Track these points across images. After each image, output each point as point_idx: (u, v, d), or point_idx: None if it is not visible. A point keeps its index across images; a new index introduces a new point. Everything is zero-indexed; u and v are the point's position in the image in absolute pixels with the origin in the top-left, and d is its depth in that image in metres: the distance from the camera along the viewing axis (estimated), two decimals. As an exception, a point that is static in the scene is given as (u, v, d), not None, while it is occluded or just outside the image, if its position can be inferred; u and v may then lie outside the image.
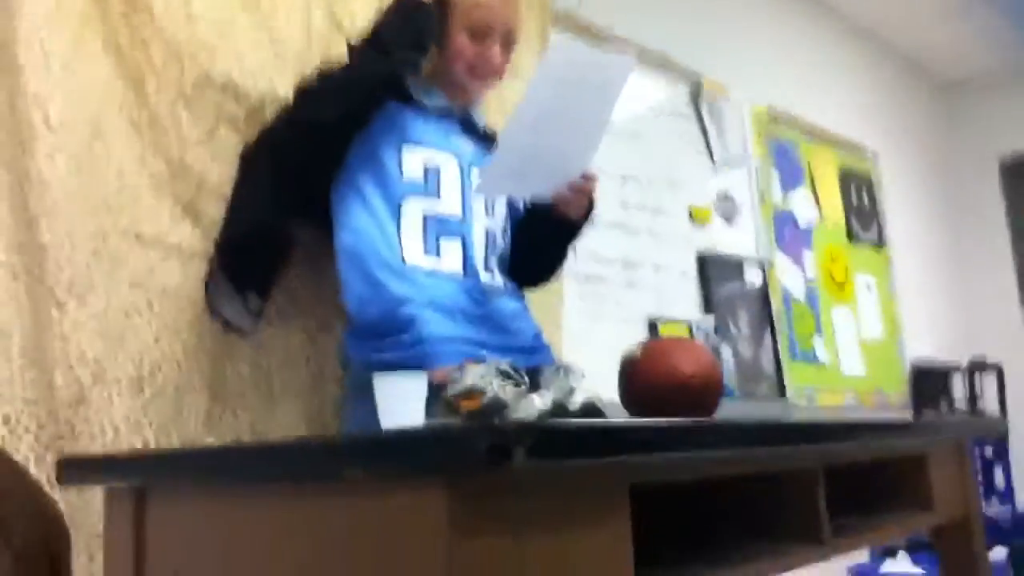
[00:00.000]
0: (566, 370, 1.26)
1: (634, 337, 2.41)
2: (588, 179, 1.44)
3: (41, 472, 1.23)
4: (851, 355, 3.43)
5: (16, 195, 1.29)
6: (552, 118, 1.30)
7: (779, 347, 2.99)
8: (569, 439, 0.70)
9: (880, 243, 3.84)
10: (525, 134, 1.30)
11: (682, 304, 2.70)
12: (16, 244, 1.28)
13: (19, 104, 1.30)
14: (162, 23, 1.46)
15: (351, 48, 1.45)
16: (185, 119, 1.48)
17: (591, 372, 1.37)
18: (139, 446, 1.34)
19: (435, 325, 1.30)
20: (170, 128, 1.47)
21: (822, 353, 3.25)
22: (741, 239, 3.04)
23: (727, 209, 3.01)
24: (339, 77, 1.41)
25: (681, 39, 2.95)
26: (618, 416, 1.17)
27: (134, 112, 1.45)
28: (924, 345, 3.89)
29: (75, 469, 1.01)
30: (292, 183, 1.45)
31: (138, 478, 0.94)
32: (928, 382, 3.75)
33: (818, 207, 3.48)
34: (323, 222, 1.46)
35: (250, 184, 1.48)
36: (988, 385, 3.86)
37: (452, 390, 1.13)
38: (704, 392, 1.20)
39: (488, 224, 1.47)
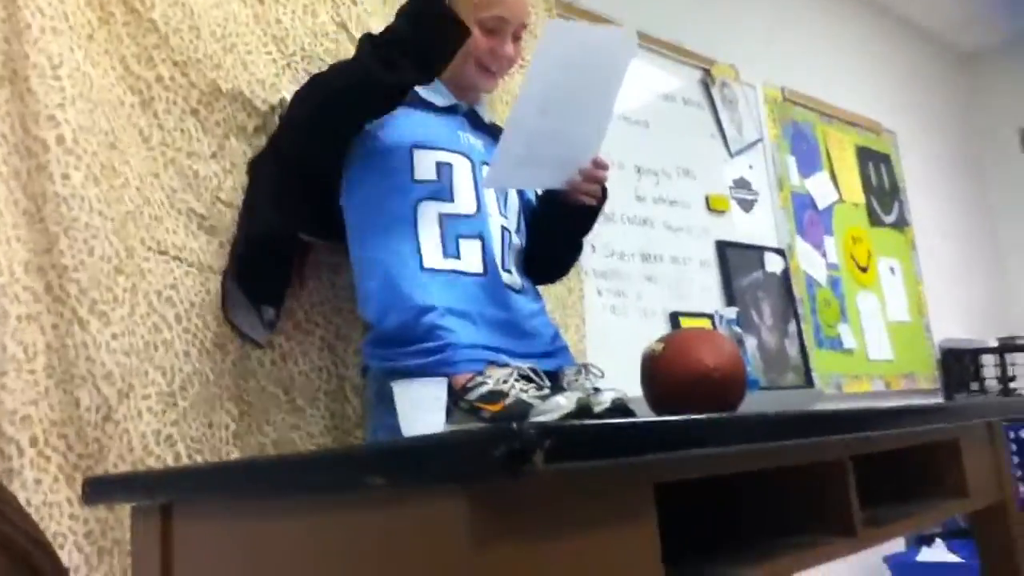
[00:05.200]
0: (586, 370, 1.25)
1: (656, 331, 2.39)
2: (599, 165, 1.42)
3: (72, 492, 1.23)
4: (878, 340, 3.39)
5: (34, 215, 1.29)
6: (556, 102, 1.28)
7: (804, 335, 2.96)
8: (589, 440, 0.69)
9: (902, 224, 3.79)
10: (529, 121, 1.28)
11: (703, 296, 2.68)
12: (36, 265, 1.28)
13: (31, 124, 1.30)
14: (167, 36, 1.46)
15: (359, 45, 1.36)
16: (195, 132, 1.48)
17: (614, 368, 1.36)
18: (171, 461, 1.34)
19: (457, 332, 1.29)
20: (181, 142, 1.47)
21: (848, 339, 3.21)
22: (760, 226, 3.01)
23: (745, 195, 2.98)
24: (334, 83, 1.34)
25: (688, 24, 2.92)
26: (644, 413, 1.16)
27: (144, 126, 1.45)
28: (953, 326, 3.84)
29: (100, 488, 1.01)
30: (298, 191, 1.44)
31: (163, 495, 0.94)
32: (958, 364, 3.70)
33: (837, 189, 3.44)
34: (334, 230, 1.45)
35: (258, 195, 1.48)
36: (1021, 365, 3.79)
37: (474, 395, 1.13)
38: (728, 384, 1.18)
39: (503, 222, 1.45)
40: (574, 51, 1.26)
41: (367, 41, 1.34)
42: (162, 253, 1.42)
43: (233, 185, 1.52)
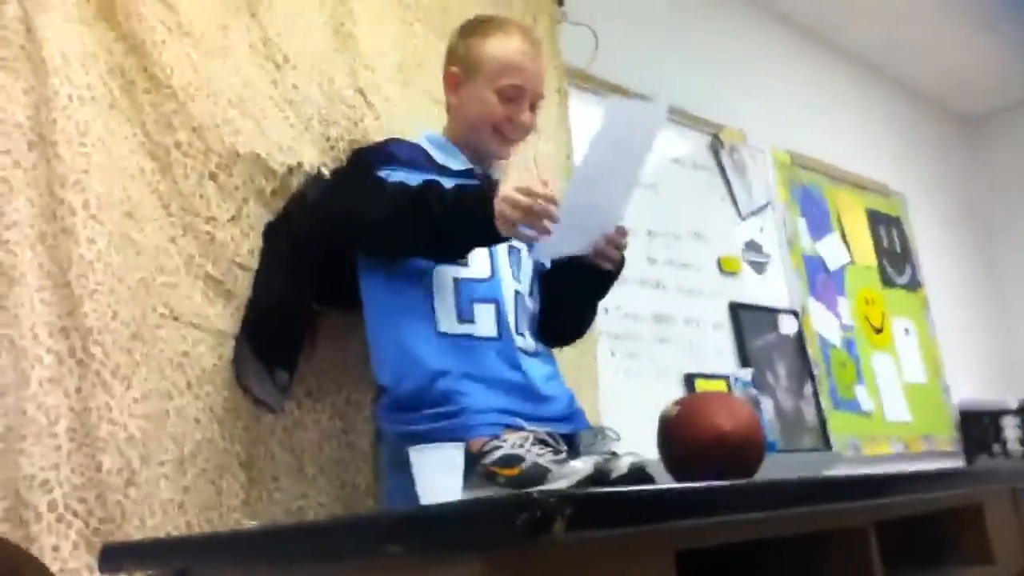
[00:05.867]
0: (602, 434, 1.24)
1: (671, 393, 2.38)
2: (622, 231, 1.44)
3: (93, 559, 1.20)
4: (895, 401, 3.35)
5: (60, 280, 1.31)
6: (601, 175, 1.30)
7: (820, 397, 2.93)
8: (609, 508, 0.69)
9: (915, 285, 3.78)
10: (580, 196, 1.30)
11: (718, 358, 2.66)
12: (60, 328, 1.30)
13: (57, 189, 1.33)
14: (185, 102, 1.48)
15: (411, 193, 1.33)
16: (213, 197, 1.50)
17: (629, 431, 1.35)
18: (183, 528, 1.33)
19: (472, 396, 1.29)
20: (199, 207, 1.48)
21: (865, 401, 3.17)
22: (773, 288, 3.01)
23: (756, 258, 2.99)
24: (366, 214, 1.35)
25: (696, 89, 2.95)
26: (660, 476, 1.15)
27: (163, 192, 1.47)
28: (971, 387, 3.78)
29: (116, 556, 1.00)
30: (312, 264, 1.47)
31: (178, 562, 0.94)
32: (978, 425, 3.64)
33: (848, 251, 3.44)
34: (349, 296, 1.46)
35: (272, 263, 1.50)
36: (1042, 426, 3.72)
37: (490, 459, 1.12)
38: (745, 447, 1.18)
39: (517, 286, 1.46)
40: (622, 128, 1.29)
41: (414, 198, 1.32)
42: (176, 320, 1.42)
43: (250, 248, 1.52)
